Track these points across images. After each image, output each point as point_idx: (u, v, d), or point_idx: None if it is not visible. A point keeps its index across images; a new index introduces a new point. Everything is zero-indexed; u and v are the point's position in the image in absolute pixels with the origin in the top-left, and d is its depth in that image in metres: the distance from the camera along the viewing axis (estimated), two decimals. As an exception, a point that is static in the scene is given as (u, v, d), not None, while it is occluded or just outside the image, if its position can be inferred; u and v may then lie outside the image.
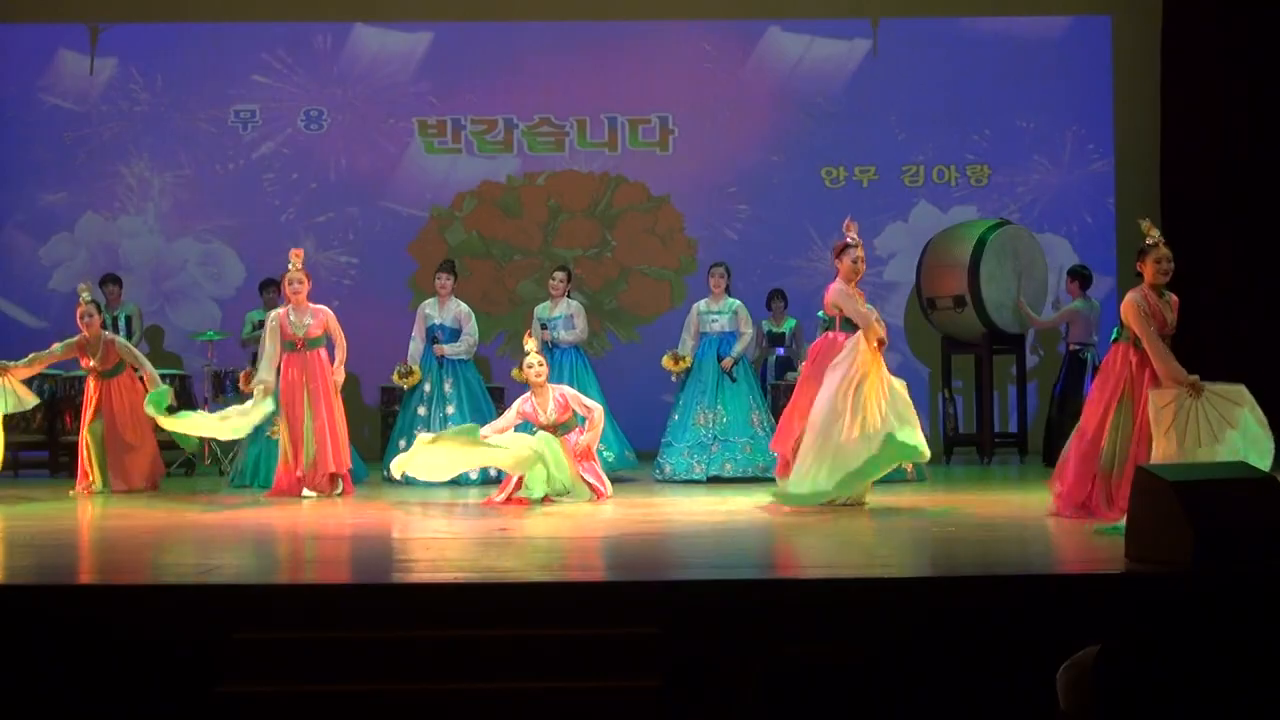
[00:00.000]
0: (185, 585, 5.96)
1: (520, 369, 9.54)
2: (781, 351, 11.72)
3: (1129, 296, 7.64)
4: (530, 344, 9.37)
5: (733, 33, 12.96)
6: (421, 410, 10.48)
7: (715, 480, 10.17)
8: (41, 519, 8.39)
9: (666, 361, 10.54)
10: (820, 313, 8.62)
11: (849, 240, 8.61)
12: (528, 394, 9.28)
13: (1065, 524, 7.63)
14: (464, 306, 10.73)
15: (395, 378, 10.56)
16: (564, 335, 10.69)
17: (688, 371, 10.59)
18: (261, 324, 10.96)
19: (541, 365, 9.22)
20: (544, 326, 10.65)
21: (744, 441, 10.38)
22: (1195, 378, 7.18)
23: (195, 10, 12.77)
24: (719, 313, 10.60)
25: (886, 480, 10.14)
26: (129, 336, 11.61)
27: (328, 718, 5.14)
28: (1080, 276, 11.53)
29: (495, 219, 12.93)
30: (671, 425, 10.52)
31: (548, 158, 12.97)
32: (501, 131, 12.96)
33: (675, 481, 10.21)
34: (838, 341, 8.44)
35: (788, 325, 11.78)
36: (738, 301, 10.70)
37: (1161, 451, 6.97)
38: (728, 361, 10.46)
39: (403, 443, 10.37)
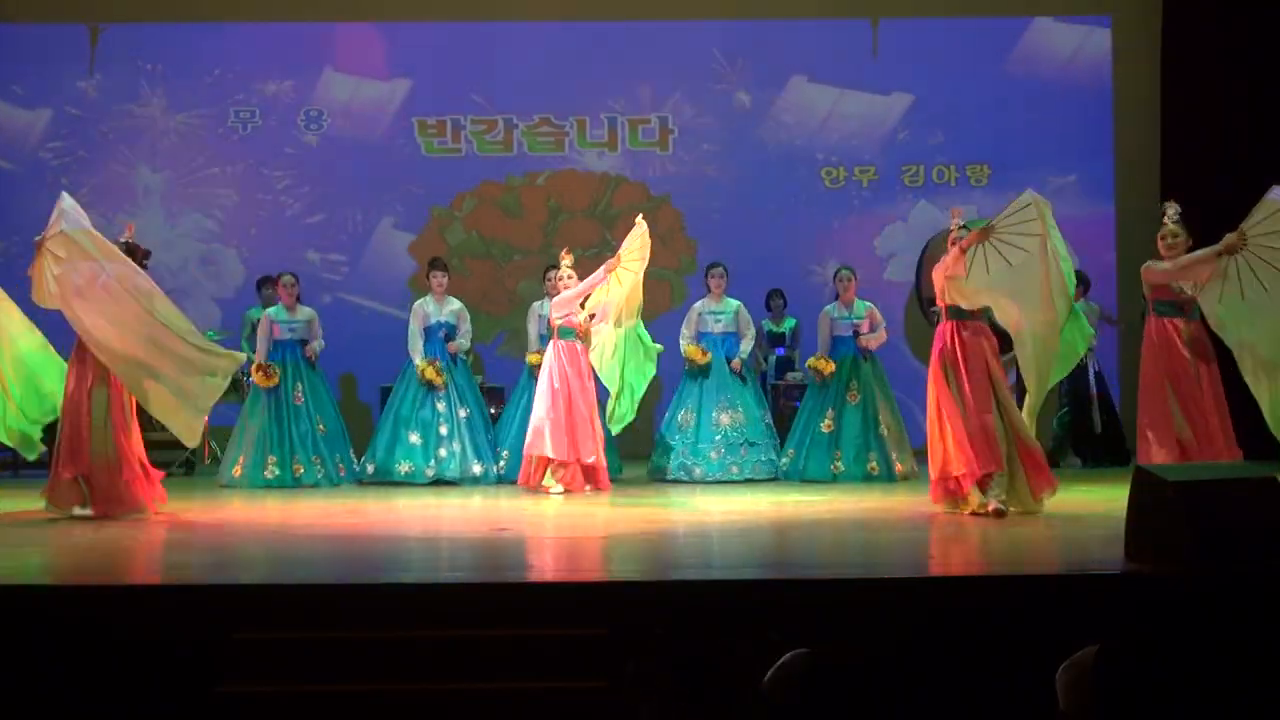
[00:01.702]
0: (185, 585, 5.96)
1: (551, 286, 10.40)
2: (781, 351, 11.71)
3: (1146, 264, 7.89)
4: (566, 261, 9.93)
5: (733, 32, 12.94)
6: (441, 406, 10.41)
7: (749, 481, 10.19)
8: (37, 518, 8.38)
9: (694, 352, 10.49)
10: (933, 307, 8.48)
11: (951, 225, 8.28)
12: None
13: (1065, 524, 7.64)
14: (458, 303, 10.76)
15: (432, 374, 10.37)
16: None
17: (705, 369, 10.53)
18: (259, 323, 10.98)
19: (572, 277, 9.87)
20: None
21: (770, 443, 10.45)
22: (1229, 238, 7.60)
23: (195, 10, 12.76)
24: (721, 313, 10.60)
25: (876, 480, 10.16)
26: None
27: (328, 718, 5.14)
28: (1082, 281, 11.52)
29: (495, 219, 12.93)
30: (689, 429, 10.42)
31: (548, 158, 12.97)
32: (501, 131, 12.96)
33: (708, 483, 10.16)
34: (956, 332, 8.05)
35: (787, 325, 11.78)
36: (739, 303, 10.70)
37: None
38: (737, 362, 10.48)
39: (414, 437, 10.34)
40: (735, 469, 10.29)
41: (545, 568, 6.69)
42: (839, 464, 10.24)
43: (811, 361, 10.56)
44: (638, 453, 10.89)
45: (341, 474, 10.43)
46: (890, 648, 4.98)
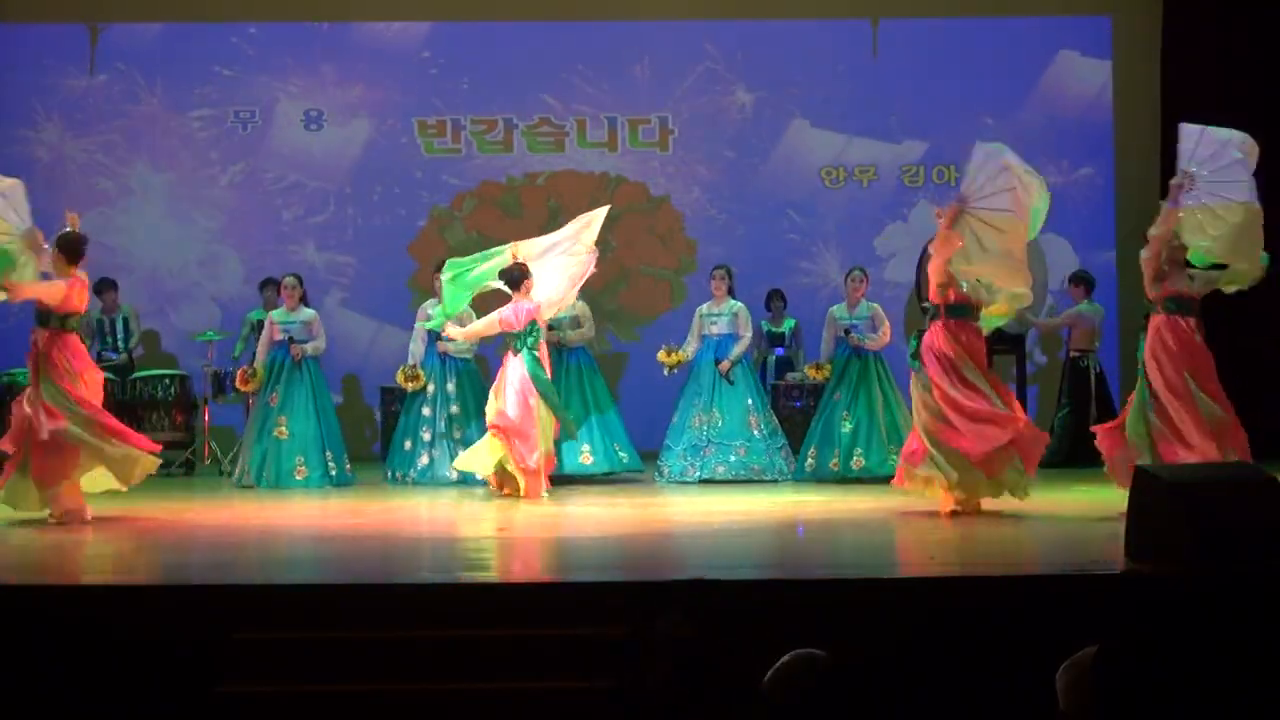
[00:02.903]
0: (185, 585, 5.97)
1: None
2: (781, 351, 11.70)
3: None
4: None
5: (733, 32, 12.94)
6: (426, 411, 10.46)
7: (707, 483, 10.15)
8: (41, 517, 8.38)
9: (661, 355, 10.53)
10: (925, 303, 8.52)
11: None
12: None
13: (1065, 524, 7.64)
14: (465, 305, 10.74)
15: (402, 380, 10.48)
16: (570, 335, 10.68)
17: (688, 372, 10.58)
18: (259, 324, 11.00)
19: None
20: (551, 328, 10.60)
21: (738, 444, 10.36)
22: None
23: (195, 10, 12.75)
24: (719, 315, 10.61)
25: (834, 475, 10.14)
26: (126, 338, 11.62)
27: (328, 718, 5.14)
28: (1084, 281, 11.52)
29: (495, 219, 12.91)
30: (671, 428, 10.53)
31: (548, 158, 12.96)
32: (501, 131, 12.95)
33: (673, 484, 10.20)
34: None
35: (787, 325, 11.77)
36: (739, 303, 10.69)
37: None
38: (725, 364, 10.45)
39: (408, 444, 10.40)
40: (692, 470, 10.28)
41: (545, 568, 6.69)
42: (811, 460, 10.29)
43: (806, 368, 10.66)
44: (639, 452, 10.89)
45: (299, 477, 10.15)
46: (890, 648, 4.99)
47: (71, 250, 8.29)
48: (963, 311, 8.14)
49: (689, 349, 10.57)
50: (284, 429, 10.26)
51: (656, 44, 12.89)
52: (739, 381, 10.51)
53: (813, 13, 12.93)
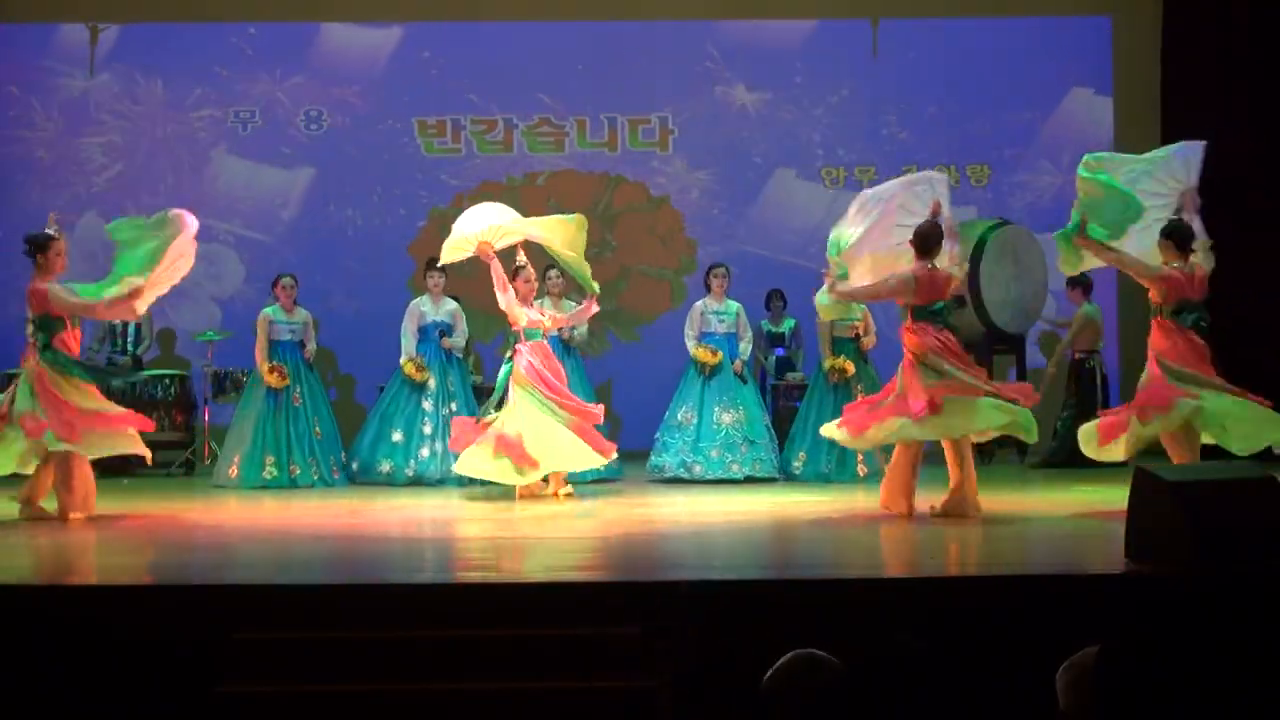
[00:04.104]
0: (185, 585, 5.97)
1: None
2: (781, 351, 11.71)
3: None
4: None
5: (733, 32, 12.95)
6: (427, 405, 10.45)
7: (750, 480, 10.17)
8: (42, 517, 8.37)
9: (704, 354, 10.47)
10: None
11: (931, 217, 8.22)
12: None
13: (1065, 524, 7.64)
14: (454, 303, 10.78)
15: (413, 371, 10.44)
16: (575, 335, 10.66)
17: (714, 370, 10.50)
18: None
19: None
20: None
21: (765, 441, 10.40)
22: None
23: (195, 10, 12.76)
24: (723, 314, 10.61)
25: (831, 479, 10.16)
26: (138, 342, 11.61)
27: (328, 718, 5.14)
28: (1082, 284, 11.50)
29: (495, 219, 12.91)
30: (689, 427, 10.38)
31: (548, 158, 12.97)
32: (501, 131, 12.96)
33: (707, 481, 10.12)
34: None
35: (787, 325, 11.77)
36: (739, 304, 10.72)
37: None
38: (738, 363, 10.49)
39: (397, 435, 10.37)
40: (735, 466, 10.27)
41: (545, 568, 6.69)
42: (798, 463, 10.30)
43: (836, 363, 10.39)
44: (639, 452, 10.87)
45: (335, 476, 10.44)
46: (890, 648, 4.98)
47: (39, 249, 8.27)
48: (930, 313, 8.08)
49: (692, 345, 10.57)
50: (319, 429, 10.42)
51: (656, 44, 12.90)
52: (750, 381, 10.57)
53: (813, 13, 12.95)
